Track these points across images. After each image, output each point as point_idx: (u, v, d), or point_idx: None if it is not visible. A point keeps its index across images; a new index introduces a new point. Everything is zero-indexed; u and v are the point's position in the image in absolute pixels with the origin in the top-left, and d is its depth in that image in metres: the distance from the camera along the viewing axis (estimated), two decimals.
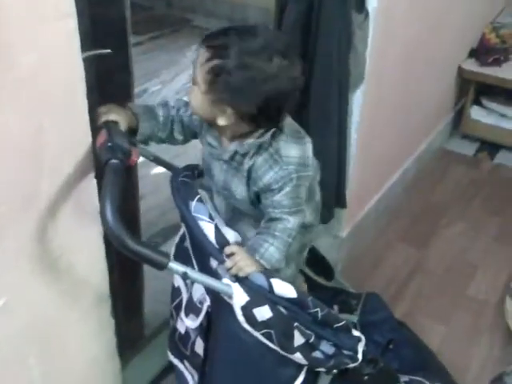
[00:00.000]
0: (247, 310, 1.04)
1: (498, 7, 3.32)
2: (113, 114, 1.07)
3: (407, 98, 2.37)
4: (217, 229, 1.10)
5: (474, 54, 3.06)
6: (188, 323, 1.17)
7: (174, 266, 0.97)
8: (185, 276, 0.98)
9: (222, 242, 1.09)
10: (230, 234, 1.12)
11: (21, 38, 0.83)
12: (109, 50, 1.05)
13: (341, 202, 2.06)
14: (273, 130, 1.07)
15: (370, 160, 2.18)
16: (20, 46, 0.84)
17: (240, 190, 1.14)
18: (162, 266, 0.95)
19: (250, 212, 1.19)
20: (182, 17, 4.71)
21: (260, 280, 1.06)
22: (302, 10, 1.70)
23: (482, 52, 3.04)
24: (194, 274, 1.01)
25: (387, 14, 1.84)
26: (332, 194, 2.01)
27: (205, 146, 1.18)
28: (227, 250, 1.07)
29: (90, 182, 1.06)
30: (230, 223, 1.18)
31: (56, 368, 1.13)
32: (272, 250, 1.09)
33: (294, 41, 1.72)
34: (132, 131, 1.13)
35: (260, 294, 1.05)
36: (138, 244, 0.91)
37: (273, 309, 1.05)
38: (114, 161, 0.96)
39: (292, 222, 1.11)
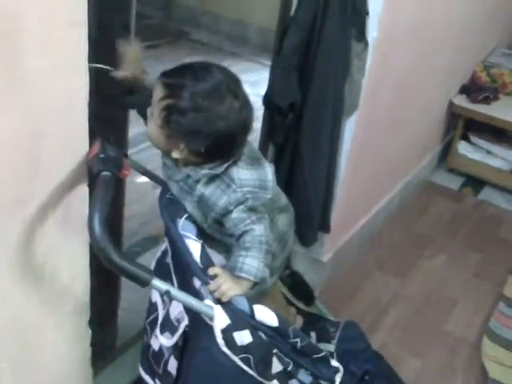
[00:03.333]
0: (227, 333, 1.02)
1: (490, 46, 3.38)
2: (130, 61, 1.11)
3: (398, 128, 2.40)
4: (203, 248, 1.08)
5: (465, 90, 3.11)
6: (163, 341, 1.15)
7: (157, 283, 0.96)
8: (167, 294, 0.96)
9: (207, 262, 1.08)
10: (216, 257, 1.11)
11: (32, 44, 0.84)
12: (111, 68, 1.05)
13: (325, 226, 2.07)
14: (229, 161, 1.10)
15: (357, 187, 2.19)
16: (31, 51, 0.84)
17: (194, 213, 1.15)
18: (144, 283, 0.94)
19: (219, 237, 1.20)
20: (180, 29, 4.72)
21: (242, 304, 1.04)
22: (302, 35, 1.71)
23: (472, 89, 3.09)
24: (177, 292, 1.00)
25: (386, 44, 1.86)
26: (317, 217, 2.02)
27: (162, 165, 1.21)
28: (211, 271, 1.06)
29: (82, 191, 1.04)
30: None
31: (28, 373, 1.10)
32: (248, 261, 1.08)
33: (292, 63, 1.74)
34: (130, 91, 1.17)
35: (241, 318, 1.03)
36: (123, 259, 0.89)
37: (253, 334, 1.04)
38: (105, 173, 0.95)
39: (257, 229, 1.10)
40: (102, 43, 1.27)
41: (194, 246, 1.07)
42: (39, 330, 1.08)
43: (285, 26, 1.75)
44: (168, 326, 1.14)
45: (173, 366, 1.17)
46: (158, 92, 1.06)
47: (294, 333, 1.08)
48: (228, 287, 1.04)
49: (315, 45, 1.72)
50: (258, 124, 2.04)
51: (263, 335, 1.05)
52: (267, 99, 1.76)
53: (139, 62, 1.15)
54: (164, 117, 1.05)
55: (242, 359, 1.04)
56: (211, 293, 1.03)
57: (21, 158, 0.91)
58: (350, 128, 1.93)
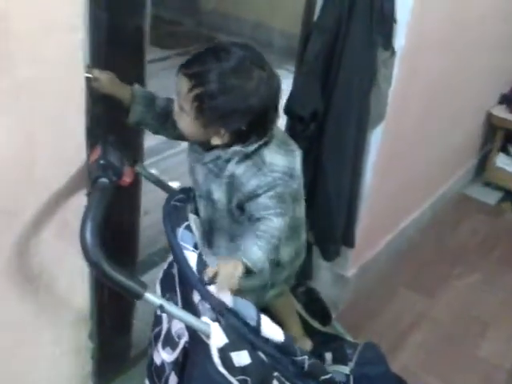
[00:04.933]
0: (224, 352, 0.97)
1: None
2: (105, 76, 1.08)
3: (429, 140, 2.30)
4: (199, 258, 1.04)
5: (504, 100, 2.97)
6: (164, 356, 1.11)
7: (151, 297, 0.92)
8: (161, 309, 0.92)
9: (203, 268, 1.02)
10: (213, 263, 1.05)
11: (22, 48, 0.82)
12: (90, 75, 1.02)
13: (349, 240, 1.99)
14: (261, 140, 1.08)
15: (384, 201, 2.10)
16: (21, 56, 0.82)
17: (218, 197, 1.14)
18: (137, 296, 0.90)
19: (226, 227, 1.17)
20: (209, 35, 4.71)
21: (250, 312, 0.99)
22: (326, 41, 1.65)
23: None
24: (171, 308, 0.95)
25: (415, 52, 1.78)
26: (341, 231, 1.94)
27: (189, 150, 1.20)
28: (209, 271, 1.00)
29: (80, 200, 1.01)
30: (205, 235, 1.18)
31: None
32: (255, 249, 1.04)
33: (315, 70, 1.68)
34: (125, 109, 1.16)
35: (240, 338, 0.98)
36: (115, 270, 0.86)
37: (252, 355, 0.98)
38: (103, 179, 0.93)
39: (275, 221, 1.06)
40: (114, 46, 1.25)
41: (192, 258, 1.03)
42: (35, 344, 1.06)
43: (308, 31, 1.69)
44: (169, 340, 1.10)
45: (174, 382, 1.12)
46: (184, 84, 1.04)
47: (302, 350, 1.03)
48: (226, 278, 1.00)
49: (339, 51, 1.65)
50: None
51: (264, 356, 0.99)
52: (288, 108, 1.70)
53: (115, 79, 1.13)
54: (197, 107, 1.04)
55: (239, 381, 0.99)
56: (208, 281, 0.98)
57: (14, 166, 0.89)
58: (376, 139, 1.85)
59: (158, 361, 1.15)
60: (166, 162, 3.04)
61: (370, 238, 2.14)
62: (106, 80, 1.09)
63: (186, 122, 1.07)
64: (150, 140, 3.24)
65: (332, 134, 1.76)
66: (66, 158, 0.96)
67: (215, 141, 1.07)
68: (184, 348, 1.06)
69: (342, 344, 1.43)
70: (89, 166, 0.98)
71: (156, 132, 1.23)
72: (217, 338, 0.96)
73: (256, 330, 0.99)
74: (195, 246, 1.05)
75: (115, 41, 1.25)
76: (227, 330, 0.97)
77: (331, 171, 1.81)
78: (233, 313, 0.98)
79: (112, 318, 1.53)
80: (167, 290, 1.12)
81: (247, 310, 0.99)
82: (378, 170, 1.93)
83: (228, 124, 1.04)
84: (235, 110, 1.02)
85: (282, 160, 1.09)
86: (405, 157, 2.12)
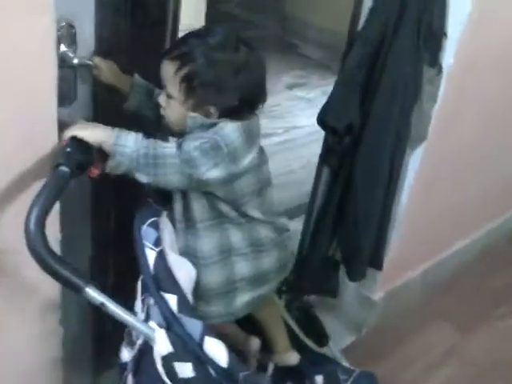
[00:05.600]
0: (168, 361, 0.94)
1: None
2: (106, 64, 1.08)
3: (481, 166, 2.15)
4: (159, 255, 0.99)
5: None
6: (125, 355, 1.09)
7: (92, 292, 0.87)
8: (102, 307, 0.89)
9: (160, 269, 0.97)
10: (180, 262, 1.01)
11: None
12: (90, 62, 1.04)
13: (377, 263, 1.90)
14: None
15: (422, 226, 1.99)
16: None
17: None
18: (77, 290, 0.87)
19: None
20: (290, 41, 4.69)
21: (195, 330, 0.93)
22: (368, 52, 1.58)
23: None
24: (113, 307, 0.90)
25: (465, 71, 1.67)
26: (368, 252, 1.86)
27: None
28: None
29: None
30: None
31: None
32: (131, 139, 0.97)
33: (354, 82, 1.61)
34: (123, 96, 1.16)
35: (186, 349, 0.94)
36: (57, 261, 0.84)
37: (197, 369, 0.94)
38: (63, 168, 0.90)
39: (173, 152, 0.97)
40: (138, 42, 1.26)
41: (150, 256, 0.99)
42: (2, 328, 1.05)
43: (352, 40, 1.63)
44: (130, 339, 1.07)
45: (130, 383, 1.09)
46: (169, 68, 1.02)
47: (246, 380, 0.96)
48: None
49: (381, 65, 1.58)
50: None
51: (212, 371, 0.95)
52: (322, 118, 1.64)
53: (115, 68, 1.14)
54: (186, 88, 1.01)
55: None
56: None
57: None
58: (415, 160, 1.76)
59: (122, 358, 1.12)
60: None
61: (402, 264, 2.04)
62: (107, 68, 1.09)
63: (174, 109, 1.04)
64: None
65: (367, 150, 1.69)
66: (36, 142, 0.95)
67: None
68: (139, 350, 1.03)
69: (336, 368, 1.36)
70: (55, 150, 0.95)
71: (152, 121, 1.19)
72: (161, 345, 0.93)
73: (199, 344, 0.94)
74: (156, 243, 1.01)
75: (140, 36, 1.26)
76: (173, 338, 0.93)
77: (363, 189, 1.73)
78: (179, 323, 0.94)
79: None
80: (146, 290, 1.10)
81: (193, 325, 0.94)
82: (416, 193, 1.83)
83: (221, 100, 1.01)
84: (227, 84, 1.00)
85: (234, 134, 1.00)
86: (450, 182, 2.00)
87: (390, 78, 1.58)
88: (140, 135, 0.98)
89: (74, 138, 0.95)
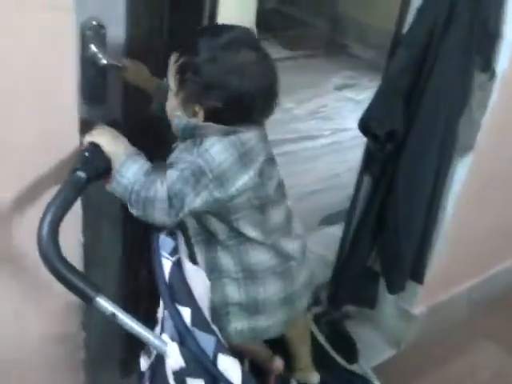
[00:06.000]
0: (180, 376, 0.90)
1: None
2: (134, 66, 1.05)
3: None
4: (175, 265, 0.94)
5: None
6: (143, 363, 1.05)
7: (103, 302, 0.85)
8: (113, 317, 0.86)
9: (175, 279, 0.93)
10: (195, 271, 0.97)
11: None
12: (119, 64, 1.00)
13: (418, 276, 1.81)
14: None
15: (468, 240, 1.88)
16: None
17: None
18: (87, 300, 0.85)
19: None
20: (341, 42, 4.59)
21: (208, 346, 0.88)
22: (413, 56, 1.50)
23: None
24: (125, 318, 0.86)
25: None
26: (409, 264, 1.77)
27: None
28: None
29: None
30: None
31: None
32: (132, 171, 0.93)
33: (398, 87, 1.53)
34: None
35: (199, 364, 0.89)
36: (68, 269, 0.82)
37: None
38: (80, 173, 0.88)
39: (159, 188, 0.92)
40: (171, 44, 1.23)
41: (166, 265, 0.95)
42: (21, 329, 1.05)
43: (396, 43, 1.55)
44: (147, 348, 1.04)
45: None
46: (172, 58, 0.99)
47: None
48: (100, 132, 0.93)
49: (428, 69, 1.49)
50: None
51: None
52: (362, 123, 1.57)
53: (144, 70, 1.11)
54: (179, 79, 0.97)
55: None
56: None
57: None
58: (463, 170, 1.65)
59: (141, 367, 1.09)
60: None
61: (447, 278, 1.93)
62: (135, 70, 1.06)
63: (170, 101, 1.00)
64: None
65: (410, 158, 1.60)
66: (57, 145, 0.94)
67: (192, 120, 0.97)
68: (155, 360, 0.99)
69: None
70: (76, 154, 0.94)
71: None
72: (173, 359, 0.89)
73: (213, 361, 0.90)
74: (172, 252, 0.96)
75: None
76: (185, 353, 0.89)
77: (404, 198, 1.65)
78: (192, 337, 0.89)
79: (141, 313, 1.51)
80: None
81: (207, 341, 0.90)
82: (464, 203, 1.72)
83: (204, 99, 0.94)
84: (213, 83, 0.93)
85: (221, 155, 0.92)
86: (501, 193, 1.88)
87: (436, 84, 1.49)
88: (145, 166, 0.93)
89: (93, 144, 0.93)
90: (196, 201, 0.92)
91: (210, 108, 0.94)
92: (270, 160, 1.02)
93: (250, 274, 1.03)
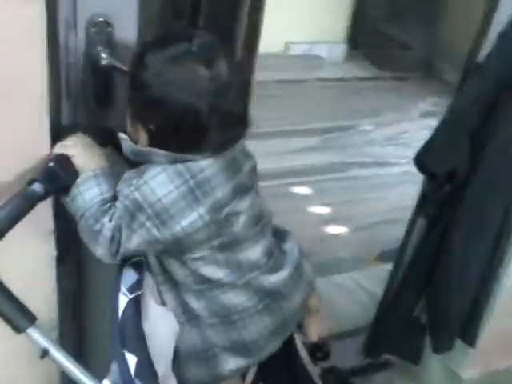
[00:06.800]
0: None
1: None
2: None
3: None
4: (131, 303, 0.83)
5: None
6: None
7: (34, 335, 0.77)
8: (46, 353, 0.77)
9: (127, 321, 0.82)
10: (165, 316, 0.86)
11: None
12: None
13: (468, 337, 1.59)
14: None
15: None
16: None
17: None
18: (18, 330, 0.77)
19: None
20: (436, 66, 4.34)
21: None
22: (487, 88, 1.31)
23: None
24: (58, 354, 0.78)
25: None
26: (458, 322, 1.56)
27: None
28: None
29: None
30: None
31: None
32: (90, 193, 0.83)
33: (464, 122, 1.35)
34: None
35: None
36: (2, 294, 0.74)
37: None
38: (36, 186, 0.79)
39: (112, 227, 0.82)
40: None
41: (122, 302, 0.84)
42: None
43: (470, 71, 1.37)
44: None
45: None
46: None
47: None
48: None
49: (503, 106, 1.30)
50: None
51: None
52: (418, 159, 1.40)
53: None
54: (127, 94, 0.85)
55: None
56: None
57: None
58: None
59: None
60: (326, 184, 2.87)
61: (506, 343, 1.69)
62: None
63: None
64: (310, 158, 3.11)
65: (471, 204, 1.41)
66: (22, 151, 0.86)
67: (140, 144, 0.85)
68: None
69: None
70: (39, 163, 0.85)
71: None
72: None
73: None
74: (131, 288, 0.85)
75: None
76: None
77: (460, 248, 1.45)
78: None
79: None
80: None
81: None
82: None
83: (145, 119, 0.82)
84: (151, 99, 0.80)
85: (163, 188, 0.80)
86: None
87: (509, 125, 1.30)
88: (106, 194, 0.83)
89: (62, 155, 0.84)
90: (132, 240, 0.81)
91: (151, 129, 0.82)
92: (240, 192, 0.87)
93: (226, 319, 0.90)
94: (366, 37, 4.44)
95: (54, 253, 0.96)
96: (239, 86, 0.84)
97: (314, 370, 1.14)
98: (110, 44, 0.93)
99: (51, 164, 0.81)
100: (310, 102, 3.86)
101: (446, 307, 1.53)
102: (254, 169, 0.93)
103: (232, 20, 1.16)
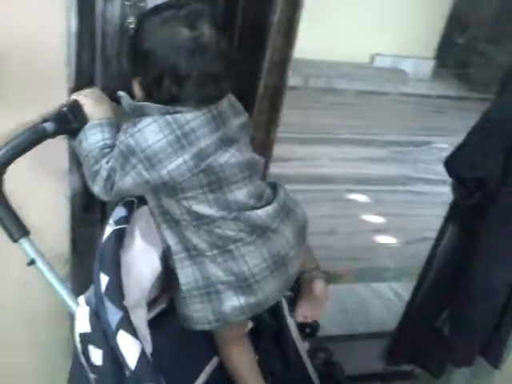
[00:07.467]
0: (84, 341, 0.88)
1: None
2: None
3: None
4: (114, 233, 0.91)
5: None
6: None
7: (26, 245, 0.88)
8: (32, 263, 0.88)
9: (108, 247, 0.90)
10: (148, 255, 0.94)
11: None
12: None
13: (490, 357, 1.54)
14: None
15: None
16: None
17: None
18: (12, 238, 0.88)
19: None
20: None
21: (114, 316, 0.85)
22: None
23: None
24: (43, 267, 0.89)
25: None
26: (481, 338, 1.51)
27: None
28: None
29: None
30: None
31: None
32: (94, 139, 0.94)
33: (502, 129, 1.32)
34: None
35: (102, 334, 0.86)
36: (2, 204, 0.86)
37: (106, 359, 0.86)
38: (47, 124, 0.90)
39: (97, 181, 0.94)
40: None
41: (106, 232, 0.92)
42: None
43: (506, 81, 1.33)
44: None
45: None
46: None
47: None
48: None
49: None
50: None
51: (127, 371, 0.85)
52: (447, 162, 1.38)
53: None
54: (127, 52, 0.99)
55: (94, 380, 0.88)
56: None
57: None
58: None
59: None
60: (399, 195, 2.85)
61: None
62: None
63: None
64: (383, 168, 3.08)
65: (503, 215, 1.37)
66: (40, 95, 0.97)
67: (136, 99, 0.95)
68: None
69: None
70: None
71: None
72: (80, 322, 0.87)
73: (113, 336, 0.85)
74: (118, 221, 0.93)
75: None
76: (93, 320, 0.87)
77: (488, 261, 1.41)
78: (104, 306, 0.86)
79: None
80: None
81: (113, 311, 0.85)
82: None
83: (134, 72, 0.93)
84: (138, 53, 0.92)
85: (154, 136, 0.89)
86: None
87: None
88: (108, 141, 0.94)
89: (76, 102, 0.95)
90: (125, 180, 0.91)
91: (143, 82, 0.93)
92: (226, 144, 0.95)
93: (224, 249, 0.98)
94: (461, 55, 4.32)
95: (67, 191, 1.08)
96: (222, 48, 0.91)
97: (302, 346, 1.18)
98: None
99: (64, 108, 0.93)
100: (388, 114, 3.84)
101: (467, 320, 1.49)
102: (244, 124, 1.01)
103: (264, 17, 1.23)
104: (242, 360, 1.09)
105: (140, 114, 0.91)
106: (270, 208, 1.00)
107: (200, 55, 0.89)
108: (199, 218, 0.95)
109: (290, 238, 1.03)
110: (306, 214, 1.09)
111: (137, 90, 0.94)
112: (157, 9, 0.93)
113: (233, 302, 0.99)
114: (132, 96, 0.95)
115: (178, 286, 0.98)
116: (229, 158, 0.95)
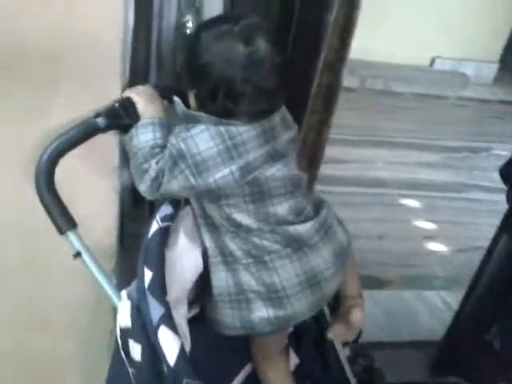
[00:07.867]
0: (124, 335, 0.88)
1: None
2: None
3: None
4: (160, 230, 0.92)
5: None
6: None
7: (72, 238, 0.90)
8: (77, 256, 0.89)
9: (154, 243, 0.91)
10: (191, 254, 0.95)
11: None
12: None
13: None
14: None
15: None
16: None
17: None
18: (60, 230, 0.89)
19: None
20: None
21: (156, 311, 0.86)
22: None
23: None
24: (89, 260, 0.90)
25: None
26: None
27: None
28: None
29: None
30: None
31: None
32: (145, 136, 0.95)
33: None
34: None
35: (143, 329, 0.86)
36: (52, 196, 0.88)
37: (144, 354, 0.86)
38: (99, 120, 0.91)
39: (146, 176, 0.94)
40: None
41: (153, 227, 0.93)
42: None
43: None
44: None
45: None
46: None
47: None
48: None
49: None
50: None
51: (165, 367, 0.85)
52: (504, 169, 1.33)
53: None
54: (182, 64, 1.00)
55: (132, 374, 0.88)
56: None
57: None
58: None
59: None
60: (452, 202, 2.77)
61: None
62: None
63: None
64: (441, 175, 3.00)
65: None
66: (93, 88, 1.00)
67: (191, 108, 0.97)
68: None
69: None
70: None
71: None
72: (122, 315, 0.88)
73: (155, 331, 0.85)
74: (164, 218, 0.94)
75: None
76: (134, 314, 0.87)
77: None
78: (146, 301, 0.86)
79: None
80: None
81: (155, 306, 0.86)
82: None
83: (193, 86, 0.94)
84: (195, 66, 0.92)
85: (205, 143, 0.90)
86: None
87: None
88: (158, 141, 0.95)
89: (128, 99, 0.96)
90: (172, 183, 0.92)
91: (197, 95, 0.94)
92: (273, 158, 0.95)
93: (259, 259, 0.97)
94: None
95: (117, 185, 1.10)
96: (276, 64, 0.92)
97: (343, 351, 1.16)
98: (197, 16, 1.07)
99: (117, 104, 0.95)
100: (446, 119, 3.73)
101: None
102: (293, 139, 1.00)
103: (321, 16, 1.22)
104: (278, 377, 1.09)
105: (193, 121, 0.93)
106: (308, 224, 0.99)
107: (255, 70, 0.90)
108: (237, 225, 0.96)
109: (328, 258, 1.01)
110: (350, 238, 1.07)
111: (192, 101, 0.96)
112: (213, 21, 0.95)
113: (262, 312, 0.98)
114: (185, 99, 0.96)
115: (211, 289, 0.99)
116: (275, 172, 0.95)
